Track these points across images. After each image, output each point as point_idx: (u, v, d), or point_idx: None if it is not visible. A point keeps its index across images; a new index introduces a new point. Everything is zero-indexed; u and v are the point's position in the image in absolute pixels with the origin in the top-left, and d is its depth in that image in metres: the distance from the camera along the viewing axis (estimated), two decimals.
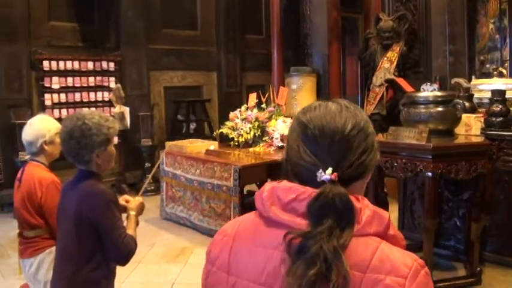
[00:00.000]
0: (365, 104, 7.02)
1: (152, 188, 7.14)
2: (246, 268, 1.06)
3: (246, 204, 5.08)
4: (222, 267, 1.11)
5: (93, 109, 6.28)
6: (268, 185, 1.09)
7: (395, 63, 6.84)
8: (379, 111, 6.81)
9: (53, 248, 2.78)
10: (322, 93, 7.53)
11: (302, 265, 0.93)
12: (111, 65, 7.69)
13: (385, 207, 4.10)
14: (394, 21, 6.95)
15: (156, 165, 3.78)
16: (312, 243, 0.93)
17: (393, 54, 6.89)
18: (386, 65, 6.87)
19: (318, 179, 1.00)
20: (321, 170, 1.00)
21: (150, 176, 3.55)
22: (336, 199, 0.96)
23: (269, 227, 1.05)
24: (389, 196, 4.49)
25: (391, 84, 6.74)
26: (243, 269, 1.07)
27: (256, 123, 5.96)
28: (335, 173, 0.99)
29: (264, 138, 5.95)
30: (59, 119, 3.35)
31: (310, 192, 1.00)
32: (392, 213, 4.24)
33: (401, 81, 5.85)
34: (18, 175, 2.92)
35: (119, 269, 2.45)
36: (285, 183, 1.06)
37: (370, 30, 7.38)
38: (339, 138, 1.03)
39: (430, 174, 3.69)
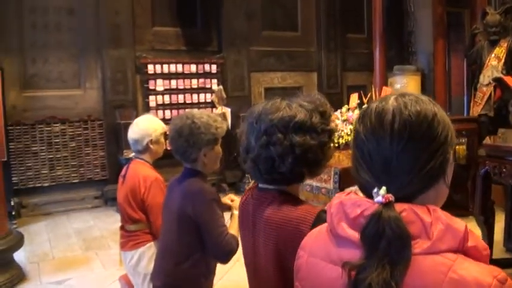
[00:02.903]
0: (471, 105, 6.64)
1: None
2: (319, 285, 1.02)
3: None
4: (303, 283, 1.09)
5: (183, 111, 6.49)
6: (336, 198, 1.02)
7: (503, 60, 6.38)
8: (486, 113, 6.37)
9: (153, 243, 2.89)
10: (426, 93, 7.23)
11: None
12: (213, 67, 7.89)
13: (492, 216, 3.84)
14: (501, 15, 6.48)
15: None
16: (364, 276, 0.87)
17: (501, 50, 6.43)
18: (494, 63, 6.43)
19: (375, 200, 0.92)
20: (376, 189, 0.92)
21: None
22: (386, 227, 0.88)
23: (338, 244, 1.00)
24: (496, 205, 4.19)
25: (499, 83, 6.30)
26: (317, 286, 1.03)
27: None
28: (388, 195, 0.91)
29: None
30: (163, 120, 3.46)
31: (376, 207, 0.92)
32: (499, 223, 3.97)
33: (510, 80, 5.46)
34: (123, 172, 3.05)
35: (218, 266, 2.47)
36: (351, 196, 0.99)
37: (477, 25, 6.96)
38: (394, 150, 0.94)
39: None
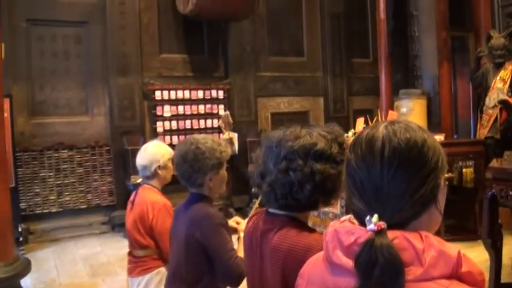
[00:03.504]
0: (478, 128, 6.64)
1: None
2: None
3: None
4: None
5: (190, 136, 6.50)
6: (331, 226, 1.03)
7: (508, 82, 6.41)
8: (492, 135, 6.37)
9: (161, 269, 2.88)
10: (433, 116, 7.24)
11: None
12: (220, 93, 7.94)
13: (499, 240, 3.80)
14: (505, 38, 6.53)
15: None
16: None
17: (506, 73, 6.46)
18: (499, 85, 6.46)
19: (367, 228, 0.93)
20: (368, 216, 0.93)
21: (258, 199, 3.58)
22: (379, 255, 0.88)
23: (334, 272, 1.00)
24: (504, 228, 4.15)
25: (505, 105, 6.30)
26: None
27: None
28: (380, 222, 0.91)
29: None
30: (171, 145, 3.48)
31: (368, 235, 0.92)
32: (506, 246, 3.93)
33: None
34: (131, 198, 3.06)
35: None
36: (345, 224, 1.00)
37: (481, 48, 7.01)
38: (385, 177, 0.95)
39: None
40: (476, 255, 4.04)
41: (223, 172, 2.42)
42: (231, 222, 2.49)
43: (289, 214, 1.53)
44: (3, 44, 5.54)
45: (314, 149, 1.45)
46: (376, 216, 0.92)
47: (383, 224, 0.91)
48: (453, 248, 0.92)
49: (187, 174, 2.34)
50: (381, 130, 1.01)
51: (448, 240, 1.01)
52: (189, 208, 2.36)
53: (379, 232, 0.91)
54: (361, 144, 1.02)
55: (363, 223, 0.97)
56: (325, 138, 1.49)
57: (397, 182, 0.96)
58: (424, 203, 0.98)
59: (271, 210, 1.58)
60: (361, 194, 0.98)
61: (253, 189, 7.58)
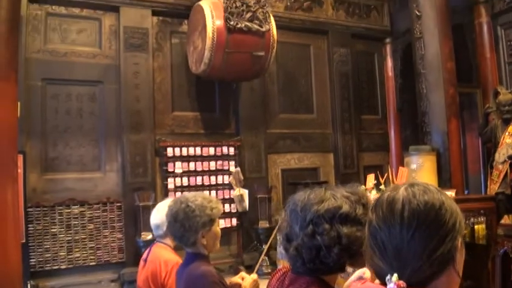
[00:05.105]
0: (488, 183, 6.62)
1: (269, 270, 7.10)
2: None
3: None
4: None
5: (201, 191, 6.50)
6: (354, 287, 1.05)
7: None
8: (503, 190, 6.35)
9: None
10: (443, 172, 7.22)
11: None
12: (231, 149, 8.01)
13: None
14: None
15: (268, 244, 3.79)
16: None
17: None
18: (508, 140, 6.49)
19: (387, 287, 0.95)
20: (389, 276, 0.96)
21: (262, 254, 3.56)
22: None
23: None
24: None
25: None
26: None
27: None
28: (399, 282, 0.93)
29: None
30: None
31: None
32: None
33: None
34: (144, 256, 3.07)
35: None
36: (368, 284, 1.02)
37: (489, 104, 7.09)
38: (404, 237, 0.98)
39: None
40: None
41: (216, 228, 2.43)
42: (237, 278, 2.48)
43: (316, 275, 1.52)
44: (19, 103, 5.72)
45: (339, 212, 1.45)
46: (395, 275, 0.95)
47: (402, 283, 0.94)
48: None
49: (180, 233, 2.35)
50: (401, 192, 1.05)
51: None
52: (186, 268, 2.37)
53: None
54: (382, 205, 1.05)
55: (383, 282, 0.99)
56: (349, 200, 1.50)
57: (416, 243, 0.98)
58: (442, 263, 1.00)
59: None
60: (382, 254, 1.01)
61: (263, 247, 7.53)
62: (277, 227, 1.70)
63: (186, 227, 2.32)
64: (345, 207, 1.47)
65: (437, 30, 6.92)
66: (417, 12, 7.00)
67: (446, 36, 7.01)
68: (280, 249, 6.08)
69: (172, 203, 2.45)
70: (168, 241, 3.04)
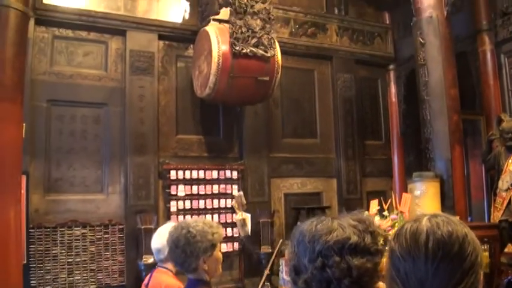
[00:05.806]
0: (492, 210, 6.59)
1: None
2: None
3: None
4: None
5: (202, 217, 6.48)
6: None
7: None
8: (507, 218, 6.32)
9: None
10: (446, 199, 7.19)
11: None
12: (234, 173, 8.01)
13: None
14: None
15: (267, 269, 3.77)
16: None
17: None
18: None
19: None
20: None
21: (262, 280, 3.54)
22: None
23: None
24: None
25: None
26: None
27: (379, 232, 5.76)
28: None
29: (387, 247, 5.72)
30: None
31: None
32: None
33: None
34: (146, 281, 3.05)
35: None
36: None
37: (493, 131, 7.10)
38: (429, 269, 0.98)
39: None
40: None
41: (218, 254, 2.42)
42: None
43: None
44: (24, 124, 5.75)
45: (348, 243, 1.42)
46: None
47: None
48: None
49: (181, 259, 2.34)
50: (424, 223, 1.05)
51: None
52: None
53: None
54: (405, 235, 1.06)
55: None
56: (357, 229, 1.46)
57: (440, 275, 0.98)
58: None
59: None
60: (404, 284, 1.01)
61: (265, 271, 7.47)
62: (274, 252, 1.70)
63: (187, 253, 2.31)
64: (354, 238, 1.43)
65: (441, 57, 6.96)
66: (421, 40, 7.05)
67: (450, 63, 7.04)
68: (282, 275, 6.03)
69: (173, 229, 2.44)
70: (170, 266, 3.02)
